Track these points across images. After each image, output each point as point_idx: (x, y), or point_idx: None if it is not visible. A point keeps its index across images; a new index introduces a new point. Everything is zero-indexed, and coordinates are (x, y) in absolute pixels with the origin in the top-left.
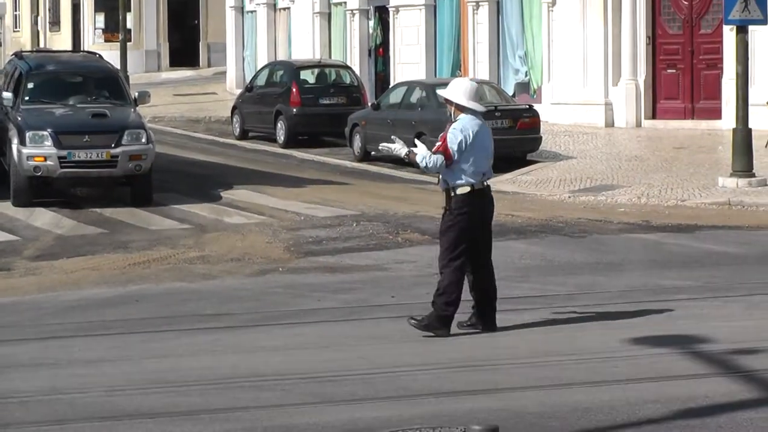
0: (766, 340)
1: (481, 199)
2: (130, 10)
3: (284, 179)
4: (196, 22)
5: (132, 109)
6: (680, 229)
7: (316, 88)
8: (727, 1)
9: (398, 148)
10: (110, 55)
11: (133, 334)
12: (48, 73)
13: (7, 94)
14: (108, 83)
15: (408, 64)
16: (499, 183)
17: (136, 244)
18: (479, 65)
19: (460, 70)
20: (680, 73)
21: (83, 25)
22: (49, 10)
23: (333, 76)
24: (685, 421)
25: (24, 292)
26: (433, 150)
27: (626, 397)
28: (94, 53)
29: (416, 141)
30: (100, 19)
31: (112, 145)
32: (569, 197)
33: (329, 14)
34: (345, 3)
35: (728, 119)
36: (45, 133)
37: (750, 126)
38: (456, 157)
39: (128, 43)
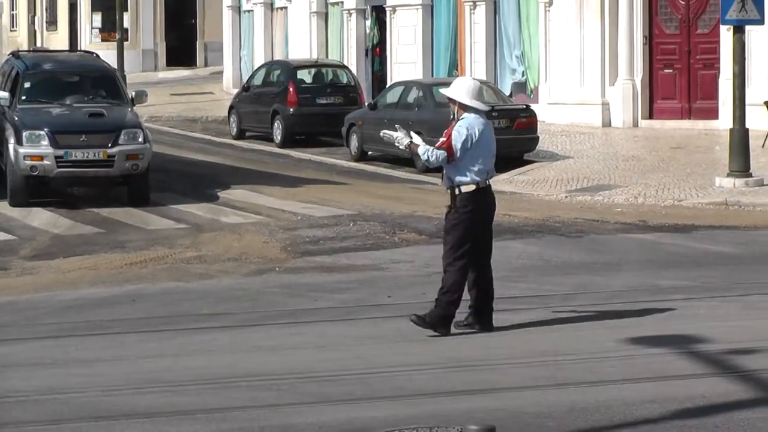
0: (763, 340)
1: (485, 198)
2: (127, 10)
3: (281, 179)
4: (193, 21)
5: (129, 109)
6: (677, 229)
7: (313, 87)
8: (724, 1)
9: (400, 137)
10: (107, 54)
11: (129, 333)
12: (45, 72)
13: (4, 94)
14: (105, 83)
15: (405, 63)
16: (496, 183)
17: (133, 243)
18: (476, 65)
19: (456, 70)
20: (677, 73)
21: (80, 24)
22: (46, 9)
23: (330, 76)
24: (681, 421)
25: (21, 292)
26: (436, 145)
27: (623, 397)
28: (91, 53)
29: (412, 134)
30: (97, 18)
31: (109, 145)
32: (566, 197)
33: (326, 14)
34: (342, 2)
35: (725, 119)
36: (42, 132)
37: (747, 126)
38: (458, 155)
39: (125, 43)
